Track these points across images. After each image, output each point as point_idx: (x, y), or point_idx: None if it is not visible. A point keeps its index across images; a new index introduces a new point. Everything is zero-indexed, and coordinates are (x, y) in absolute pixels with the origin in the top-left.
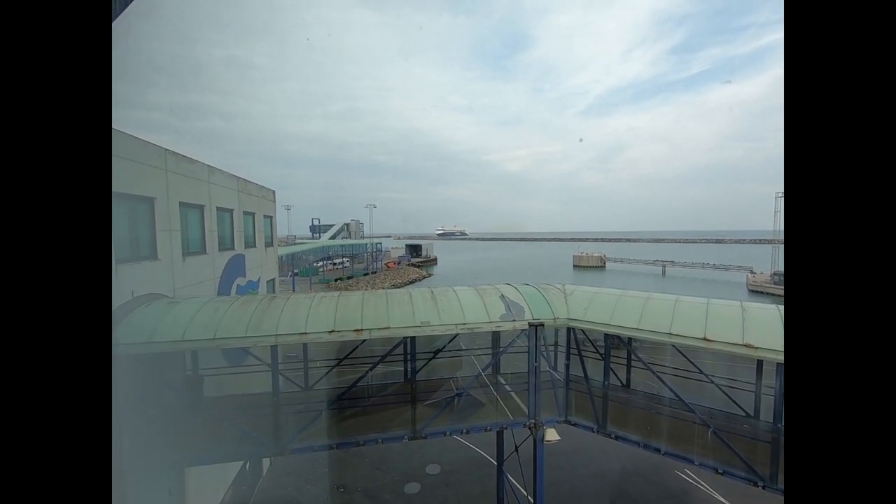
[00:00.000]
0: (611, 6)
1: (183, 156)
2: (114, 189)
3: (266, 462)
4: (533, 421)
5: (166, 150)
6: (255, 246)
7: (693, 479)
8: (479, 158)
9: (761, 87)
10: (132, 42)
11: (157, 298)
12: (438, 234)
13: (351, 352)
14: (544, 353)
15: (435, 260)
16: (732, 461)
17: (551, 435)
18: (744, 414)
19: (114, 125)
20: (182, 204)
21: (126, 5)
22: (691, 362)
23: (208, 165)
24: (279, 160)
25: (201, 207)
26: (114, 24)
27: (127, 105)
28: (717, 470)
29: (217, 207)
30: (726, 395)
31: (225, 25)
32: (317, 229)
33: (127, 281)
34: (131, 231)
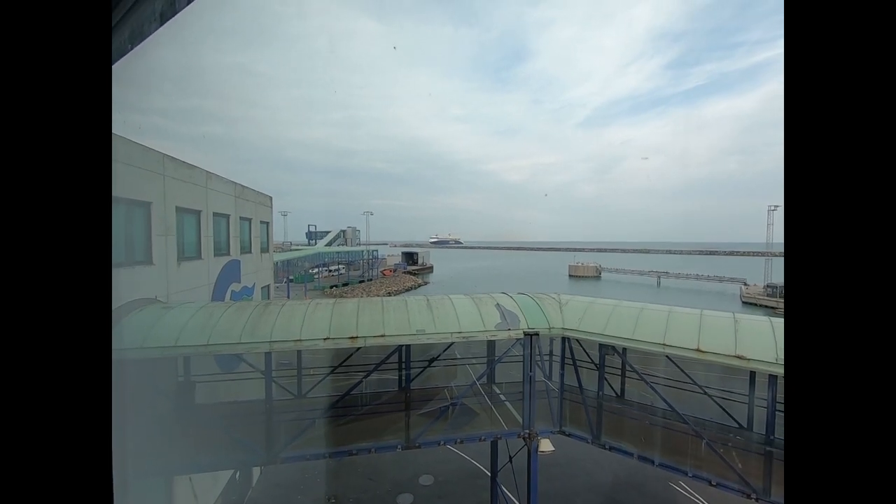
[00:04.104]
0: (609, 23)
1: (181, 161)
2: (112, 194)
3: (256, 472)
4: (527, 431)
5: (164, 154)
6: (250, 252)
7: (687, 491)
8: (479, 168)
9: (755, 102)
10: (135, 46)
11: (150, 303)
12: (432, 242)
13: (345, 359)
14: (539, 363)
15: (431, 268)
16: (726, 473)
17: (546, 445)
18: (737, 425)
19: (113, 130)
20: (179, 209)
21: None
22: (685, 373)
23: (206, 171)
24: (280, 166)
25: (198, 213)
26: (114, 28)
27: (129, 109)
28: (710, 482)
29: (214, 213)
30: (720, 406)
31: (229, 33)
32: (313, 236)
33: (121, 285)
34: (127, 235)
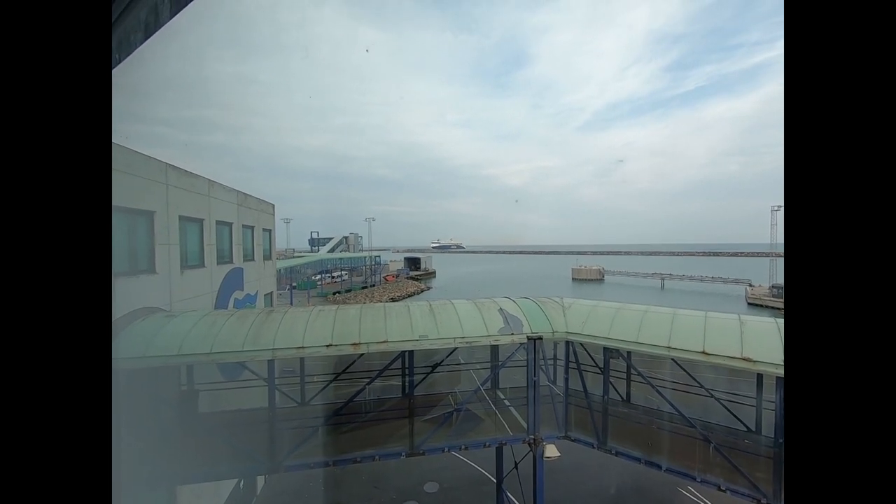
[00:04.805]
0: (607, 26)
1: (184, 170)
2: (114, 203)
3: (260, 480)
4: (532, 437)
5: (167, 164)
6: (253, 259)
7: (696, 496)
8: (479, 173)
9: (755, 103)
10: (138, 57)
11: (154, 312)
12: (434, 247)
13: (348, 366)
14: (543, 367)
15: (433, 273)
16: (735, 478)
17: (551, 451)
18: (745, 429)
19: (120, 141)
20: (182, 217)
21: (128, 16)
22: (691, 376)
23: (208, 179)
24: (281, 173)
25: (200, 221)
26: (116, 38)
27: (132, 119)
28: (719, 487)
29: (216, 221)
30: (727, 409)
31: (231, 42)
32: (315, 242)
33: (125, 294)
34: (130, 244)
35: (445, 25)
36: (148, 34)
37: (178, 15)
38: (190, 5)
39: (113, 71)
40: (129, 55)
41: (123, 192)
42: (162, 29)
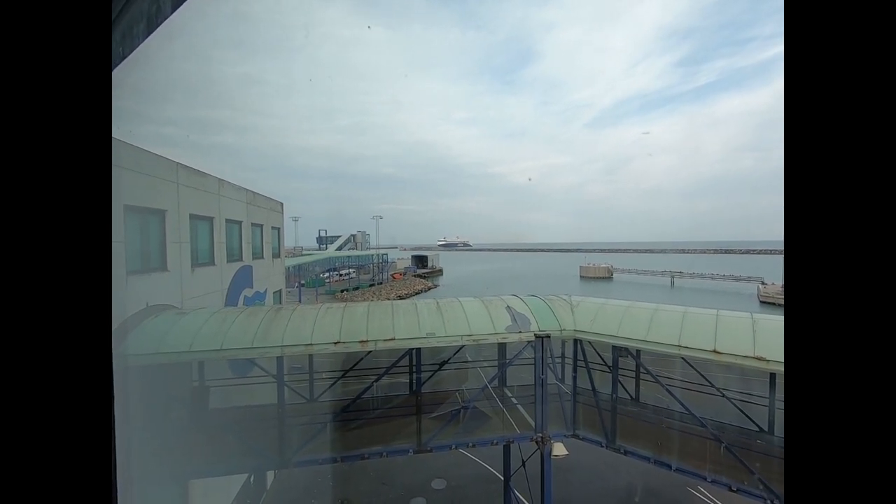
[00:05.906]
0: (616, 23)
1: (194, 169)
2: (127, 202)
3: (270, 476)
4: (540, 435)
5: (178, 163)
6: (262, 257)
7: (707, 496)
8: (486, 171)
9: (769, 97)
10: (142, 57)
11: (165, 309)
12: (440, 245)
13: (356, 363)
14: (551, 366)
15: (441, 271)
16: (746, 478)
17: (559, 450)
18: (757, 429)
19: (130, 141)
20: (192, 216)
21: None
22: (702, 375)
23: (218, 178)
24: (289, 173)
25: (211, 219)
26: (122, 42)
27: (144, 121)
28: (730, 487)
29: (226, 219)
30: (739, 409)
31: (237, 44)
32: (323, 240)
33: (137, 292)
34: (143, 243)
35: (453, 23)
36: (151, 29)
37: (180, 9)
38: (193, 5)
39: (117, 70)
40: (132, 51)
41: (136, 192)
42: (165, 24)
